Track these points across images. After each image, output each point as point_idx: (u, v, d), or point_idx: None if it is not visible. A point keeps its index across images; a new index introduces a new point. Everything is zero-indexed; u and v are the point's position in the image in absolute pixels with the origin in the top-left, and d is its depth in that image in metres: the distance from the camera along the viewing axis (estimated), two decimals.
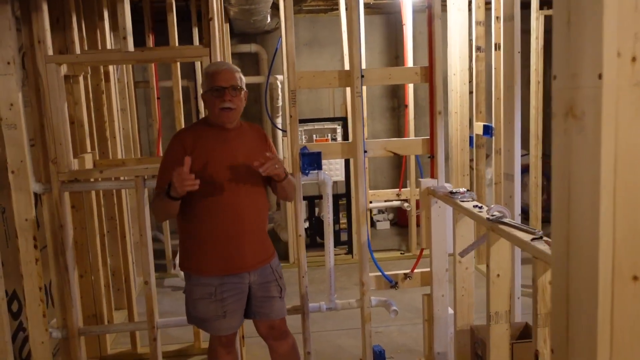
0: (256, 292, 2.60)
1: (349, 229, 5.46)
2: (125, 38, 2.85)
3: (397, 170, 7.01)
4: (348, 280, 5.04)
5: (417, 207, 5.67)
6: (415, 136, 5.55)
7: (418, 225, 6.05)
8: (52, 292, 3.36)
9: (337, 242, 5.62)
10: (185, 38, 4.91)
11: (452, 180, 5.58)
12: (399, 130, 7.03)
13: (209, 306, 2.51)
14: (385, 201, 5.62)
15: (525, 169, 6.21)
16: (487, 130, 4.73)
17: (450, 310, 3.28)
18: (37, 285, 2.84)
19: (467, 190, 2.88)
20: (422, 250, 3.31)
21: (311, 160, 3.12)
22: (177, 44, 3.67)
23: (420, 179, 3.21)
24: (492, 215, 2.38)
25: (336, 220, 5.60)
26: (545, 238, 2.07)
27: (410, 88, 5.40)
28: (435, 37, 3.09)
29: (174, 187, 2.28)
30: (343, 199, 5.59)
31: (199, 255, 2.50)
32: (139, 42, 4.03)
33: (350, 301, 3.29)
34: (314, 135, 5.19)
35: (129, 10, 2.83)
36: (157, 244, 5.72)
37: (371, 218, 6.55)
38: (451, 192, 2.85)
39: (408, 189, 5.51)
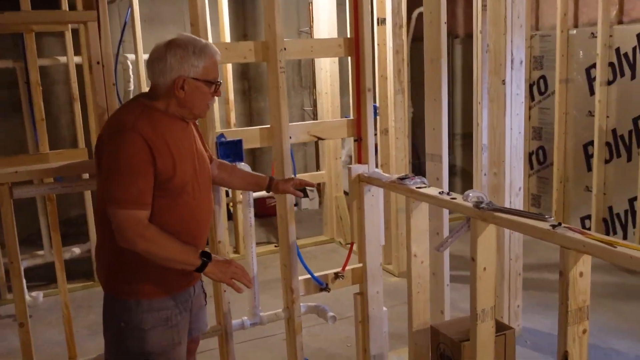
0: (194, 306, 2.16)
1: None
2: None
3: (250, 158, 6.55)
4: None
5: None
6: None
7: (272, 215, 5.63)
8: None
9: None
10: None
11: (323, 164, 5.30)
12: (250, 114, 6.57)
13: (164, 334, 1.98)
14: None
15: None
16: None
17: (384, 308, 2.99)
18: None
19: (416, 174, 2.58)
20: (352, 244, 2.95)
21: (229, 151, 2.59)
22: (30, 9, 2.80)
23: (350, 166, 2.84)
24: (479, 202, 2.10)
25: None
26: (564, 224, 1.83)
27: None
28: (363, 4, 2.72)
29: (216, 267, 1.92)
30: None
31: (159, 273, 1.94)
32: None
33: (277, 312, 2.82)
34: None
35: None
36: None
37: (228, 211, 6.01)
38: (400, 179, 2.53)
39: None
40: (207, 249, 2.01)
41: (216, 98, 2.03)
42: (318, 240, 5.36)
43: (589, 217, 4.99)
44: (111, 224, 1.82)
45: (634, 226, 4.62)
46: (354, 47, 2.78)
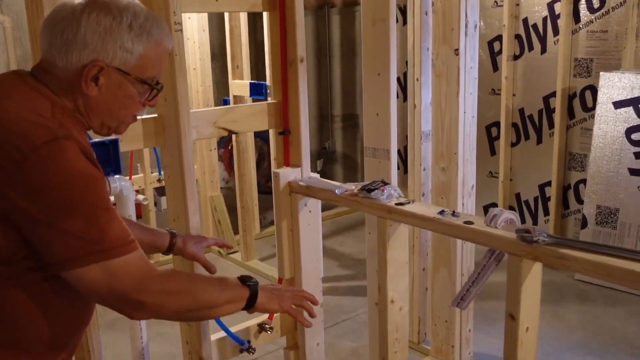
0: None
1: None
2: None
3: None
4: None
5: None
6: None
7: (139, 217, 4.60)
8: None
9: None
10: None
11: (195, 159, 4.32)
12: None
13: None
14: None
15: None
16: (258, 89, 3.60)
17: None
18: None
19: (382, 180, 1.79)
20: (280, 280, 2.09)
21: (97, 157, 1.60)
22: None
23: (276, 170, 1.98)
24: (524, 231, 1.36)
25: None
26: None
27: None
28: None
29: (268, 292, 1.33)
30: None
31: None
32: None
33: None
34: None
35: None
36: None
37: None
38: (367, 189, 1.72)
39: (140, 175, 4.05)
40: None
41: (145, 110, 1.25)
42: None
43: (493, 204, 4.56)
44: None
45: (545, 214, 4.26)
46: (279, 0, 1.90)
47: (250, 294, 1.27)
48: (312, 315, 1.42)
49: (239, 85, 3.77)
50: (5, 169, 0.98)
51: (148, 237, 1.54)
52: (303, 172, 2.00)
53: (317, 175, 2.03)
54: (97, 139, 1.59)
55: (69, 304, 1.14)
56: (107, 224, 1.06)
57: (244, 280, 1.30)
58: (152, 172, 4.07)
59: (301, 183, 1.94)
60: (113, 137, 1.60)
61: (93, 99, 1.13)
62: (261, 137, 5.35)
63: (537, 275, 1.38)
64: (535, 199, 4.32)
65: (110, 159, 1.60)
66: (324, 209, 5.29)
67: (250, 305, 1.28)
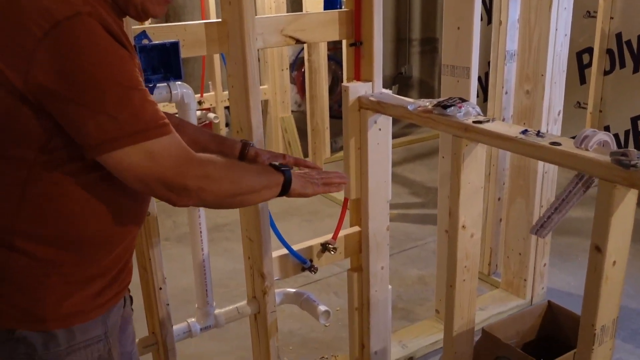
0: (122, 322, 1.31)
1: None
2: None
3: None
4: None
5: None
6: None
7: None
8: None
9: None
10: None
11: (265, 77, 4.24)
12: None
13: None
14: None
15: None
16: (333, 3, 3.41)
17: (389, 286, 2.13)
18: None
19: (460, 97, 1.64)
20: (346, 201, 2.01)
21: (157, 61, 1.53)
22: None
23: (346, 84, 1.86)
24: (620, 155, 1.20)
25: None
26: None
27: None
28: None
29: (300, 177, 1.29)
30: None
31: (100, 281, 1.14)
32: None
33: (240, 305, 1.89)
34: None
35: None
36: None
37: None
38: (442, 106, 1.58)
39: (211, 93, 4.02)
40: None
41: None
42: None
43: None
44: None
45: (637, 149, 3.94)
46: None
47: (284, 179, 1.23)
48: (343, 182, 1.40)
49: (313, 0, 3.60)
50: (27, 47, 0.92)
51: (216, 145, 1.46)
52: (374, 87, 1.87)
53: (390, 92, 1.90)
54: (156, 41, 1.52)
55: (118, 198, 1.10)
56: (139, 104, 1.00)
57: (276, 167, 1.27)
58: (223, 91, 4.03)
59: (371, 98, 1.82)
60: (173, 40, 1.52)
61: None
62: (335, 60, 5.19)
63: (631, 203, 1.23)
64: (627, 132, 4.00)
65: (170, 64, 1.53)
66: (396, 136, 5.13)
67: (285, 191, 1.25)
